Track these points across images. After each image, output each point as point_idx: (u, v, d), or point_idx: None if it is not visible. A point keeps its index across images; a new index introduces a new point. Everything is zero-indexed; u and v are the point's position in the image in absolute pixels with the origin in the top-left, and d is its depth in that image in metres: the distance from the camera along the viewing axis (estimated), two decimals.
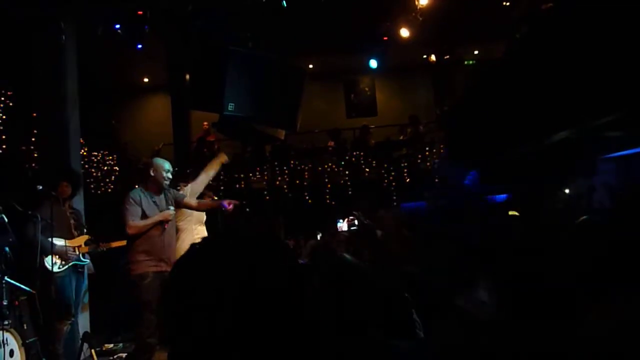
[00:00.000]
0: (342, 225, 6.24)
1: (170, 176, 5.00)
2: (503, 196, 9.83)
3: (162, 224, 4.84)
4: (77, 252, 5.66)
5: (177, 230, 5.61)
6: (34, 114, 7.40)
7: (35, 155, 7.50)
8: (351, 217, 5.92)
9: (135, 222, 4.65)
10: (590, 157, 6.06)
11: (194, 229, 5.93)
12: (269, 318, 0.78)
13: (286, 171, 10.91)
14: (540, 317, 1.88)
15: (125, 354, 5.96)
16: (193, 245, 0.90)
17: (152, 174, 4.88)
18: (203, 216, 6.12)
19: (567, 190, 6.41)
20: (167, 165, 4.98)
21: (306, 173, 10.89)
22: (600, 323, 1.73)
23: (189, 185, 5.85)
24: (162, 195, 4.95)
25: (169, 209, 4.90)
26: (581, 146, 5.75)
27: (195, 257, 0.88)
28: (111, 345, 6.53)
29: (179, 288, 0.84)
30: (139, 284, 4.61)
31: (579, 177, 6.27)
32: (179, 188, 5.98)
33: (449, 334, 2.19)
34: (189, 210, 5.81)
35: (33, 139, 7.57)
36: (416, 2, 8.34)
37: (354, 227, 5.91)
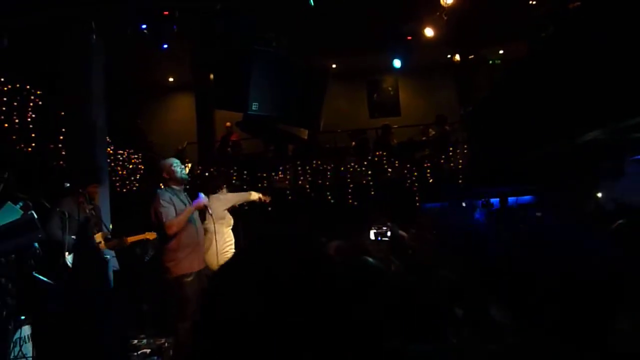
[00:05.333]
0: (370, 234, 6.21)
1: (183, 167, 5.06)
2: (527, 197, 9.73)
3: (194, 221, 4.90)
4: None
5: (206, 231, 5.68)
6: (62, 113, 7.53)
7: (63, 153, 7.63)
8: (384, 227, 5.89)
9: (172, 221, 4.69)
10: (618, 159, 5.94)
11: (224, 232, 6.02)
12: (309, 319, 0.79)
13: (309, 171, 10.91)
14: (568, 324, 1.85)
15: (149, 350, 6.01)
16: (240, 250, 0.92)
17: (165, 176, 4.95)
18: (232, 220, 6.23)
19: (599, 194, 6.29)
20: (174, 161, 5.05)
21: (328, 173, 10.87)
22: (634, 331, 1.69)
23: (228, 194, 6.08)
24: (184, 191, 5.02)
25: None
26: (609, 147, 5.64)
27: (242, 261, 0.89)
28: (136, 341, 6.59)
29: (226, 288, 0.85)
30: (181, 282, 4.64)
31: (606, 179, 6.15)
32: (219, 190, 6.13)
33: (472, 344, 2.16)
34: (222, 212, 5.93)
35: (61, 137, 7.70)
36: (441, 2, 8.26)
37: (385, 238, 5.87)
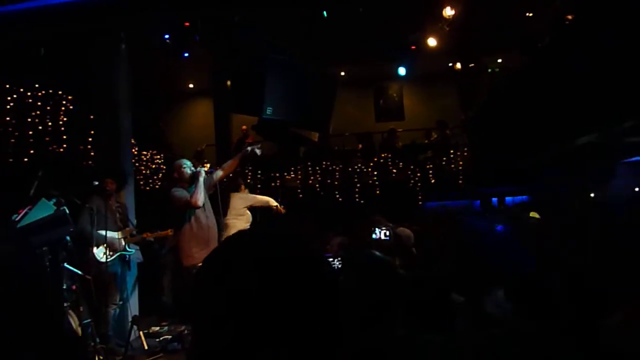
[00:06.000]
0: (379, 235, 6.23)
1: (193, 168, 5.09)
2: (523, 197, 9.69)
3: (207, 217, 4.94)
4: (123, 243, 5.80)
5: (228, 226, 5.71)
6: (91, 117, 7.60)
7: (92, 153, 7.70)
8: (384, 228, 5.90)
9: (192, 196, 4.76)
10: (610, 162, 5.91)
11: (243, 227, 6.06)
12: (296, 315, 0.75)
13: (318, 171, 10.93)
14: (564, 318, 1.84)
15: (170, 336, 6.06)
16: (224, 242, 0.88)
17: (176, 176, 5.01)
18: (250, 217, 6.27)
19: (592, 195, 6.25)
20: (185, 162, 5.10)
21: (337, 173, 10.89)
22: (628, 324, 1.68)
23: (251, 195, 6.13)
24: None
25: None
26: (601, 150, 5.61)
27: (226, 253, 0.84)
28: (157, 328, 6.64)
29: (212, 282, 0.80)
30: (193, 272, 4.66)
31: (598, 181, 6.11)
32: (239, 189, 6.15)
33: (471, 334, 2.16)
34: (242, 209, 5.96)
35: (90, 139, 7.77)
36: (443, 13, 8.26)
37: (386, 237, 5.89)
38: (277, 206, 6.44)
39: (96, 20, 6.56)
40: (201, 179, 4.90)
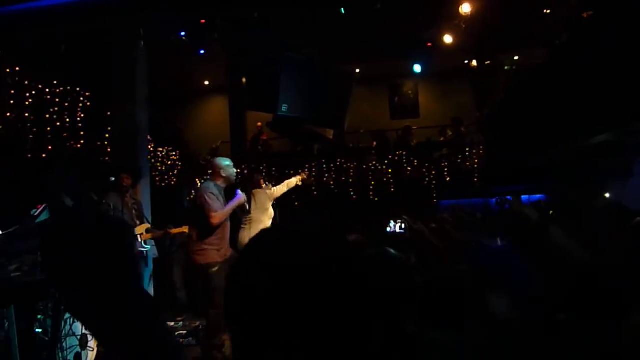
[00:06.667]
0: (395, 228, 6.20)
1: (233, 169, 5.05)
2: (539, 196, 9.59)
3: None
4: (140, 240, 5.85)
5: (252, 221, 5.73)
6: (108, 113, 7.69)
7: (109, 150, 7.79)
8: (400, 221, 5.89)
9: (218, 213, 4.69)
10: (628, 160, 5.83)
11: (267, 222, 6.10)
12: (324, 308, 0.76)
13: (333, 168, 10.93)
14: (582, 317, 1.83)
15: (185, 332, 6.10)
16: (257, 236, 0.90)
17: (223, 174, 4.90)
18: (272, 212, 6.30)
19: (607, 194, 6.17)
20: (229, 161, 5.04)
21: (351, 171, 10.88)
22: None
23: (273, 188, 6.17)
24: None
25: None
26: (618, 149, 5.55)
27: (261, 247, 0.86)
28: (172, 323, 6.69)
29: (245, 278, 0.82)
30: (208, 272, 4.65)
31: (615, 179, 6.04)
32: (266, 185, 6.18)
33: (481, 333, 2.16)
34: (268, 204, 5.99)
35: (107, 135, 7.86)
36: (459, 10, 8.21)
37: (401, 231, 5.86)
38: (298, 181, 6.54)
39: (105, 20, 6.63)
40: (234, 204, 4.89)
